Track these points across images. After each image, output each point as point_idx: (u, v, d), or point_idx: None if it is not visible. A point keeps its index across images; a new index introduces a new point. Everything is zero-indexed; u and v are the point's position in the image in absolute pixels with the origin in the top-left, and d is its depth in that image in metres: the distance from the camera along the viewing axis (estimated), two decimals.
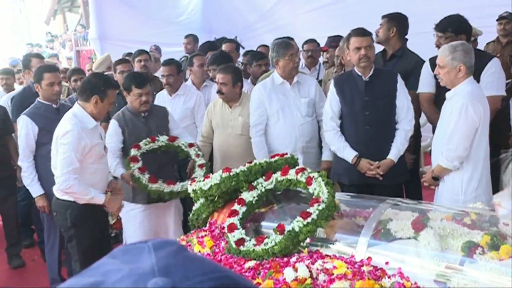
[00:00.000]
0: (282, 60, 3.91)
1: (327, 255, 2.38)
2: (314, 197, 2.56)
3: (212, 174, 2.97)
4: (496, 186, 3.14)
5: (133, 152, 3.66)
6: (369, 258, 2.28)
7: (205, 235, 2.78)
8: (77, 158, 3.19)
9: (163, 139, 3.77)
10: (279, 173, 2.82)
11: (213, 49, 5.70)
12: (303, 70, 5.37)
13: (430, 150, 3.62)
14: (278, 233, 2.47)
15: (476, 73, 3.53)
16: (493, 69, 3.76)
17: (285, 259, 2.40)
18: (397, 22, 4.33)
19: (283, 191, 2.89)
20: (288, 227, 2.46)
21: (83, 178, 3.26)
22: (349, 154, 3.62)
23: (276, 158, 2.98)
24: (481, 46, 5.38)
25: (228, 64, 4.45)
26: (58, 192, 3.31)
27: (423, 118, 4.43)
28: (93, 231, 3.38)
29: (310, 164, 3.83)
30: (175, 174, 4.04)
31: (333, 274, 2.18)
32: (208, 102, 4.59)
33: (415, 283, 2.11)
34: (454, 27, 3.87)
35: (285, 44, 3.97)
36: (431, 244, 2.24)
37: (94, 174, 3.35)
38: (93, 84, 3.32)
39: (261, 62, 4.97)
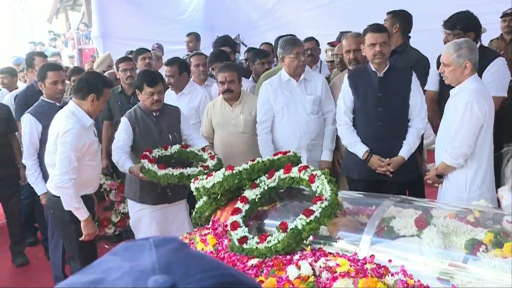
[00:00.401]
0: (287, 57, 3.91)
1: (330, 253, 2.37)
2: (317, 195, 2.56)
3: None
4: (499, 181, 3.13)
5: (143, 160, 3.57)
6: (372, 256, 2.28)
7: (208, 233, 2.79)
8: (76, 157, 3.24)
9: (175, 148, 3.69)
10: (282, 171, 2.82)
11: (227, 44, 5.69)
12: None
13: (433, 148, 3.61)
14: (281, 231, 2.47)
15: (479, 71, 3.51)
16: (495, 69, 3.72)
17: (288, 257, 2.40)
18: (401, 19, 4.33)
19: (286, 189, 2.89)
20: (291, 225, 2.46)
21: (82, 175, 3.32)
22: (360, 149, 3.63)
23: (279, 156, 2.99)
24: (484, 43, 5.36)
25: (230, 62, 4.45)
26: (54, 189, 3.36)
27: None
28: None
29: (315, 161, 3.85)
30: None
31: (336, 271, 2.18)
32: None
33: (418, 280, 2.11)
34: (463, 25, 3.83)
35: (292, 41, 3.96)
36: (434, 241, 2.24)
37: (91, 170, 3.43)
38: (90, 82, 3.36)
39: (264, 60, 4.97)
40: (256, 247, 2.48)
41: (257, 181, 2.84)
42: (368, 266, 2.20)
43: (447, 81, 3.25)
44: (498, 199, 2.75)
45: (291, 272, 2.22)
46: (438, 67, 3.52)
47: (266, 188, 2.81)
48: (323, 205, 2.46)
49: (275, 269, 2.31)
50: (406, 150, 3.57)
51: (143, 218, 3.83)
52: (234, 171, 2.84)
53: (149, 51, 5.91)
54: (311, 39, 5.68)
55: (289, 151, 3.06)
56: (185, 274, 0.56)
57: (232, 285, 0.58)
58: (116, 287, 0.55)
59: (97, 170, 3.55)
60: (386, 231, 2.42)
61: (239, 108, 4.15)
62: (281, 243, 2.42)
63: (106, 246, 4.82)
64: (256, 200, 2.78)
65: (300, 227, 2.43)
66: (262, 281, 2.27)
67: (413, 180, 3.75)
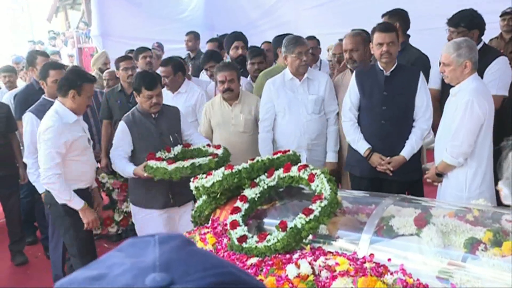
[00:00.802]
0: (289, 57, 3.91)
1: (330, 252, 2.38)
2: (316, 193, 2.56)
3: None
4: (497, 177, 3.13)
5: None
6: (371, 255, 2.28)
7: (208, 232, 2.79)
8: (59, 154, 3.32)
9: (178, 149, 3.62)
10: (281, 170, 2.82)
11: (240, 39, 5.67)
12: None
13: (433, 147, 3.61)
14: (280, 230, 2.47)
15: (481, 69, 3.51)
16: (497, 67, 3.72)
17: (288, 256, 2.40)
18: (400, 18, 4.33)
19: (286, 188, 2.90)
20: (290, 224, 2.46)
21: (71, 170, 3.41)
22: (362, 146, 3.64)
23: (279, 155, 2.99)
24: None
25: (228, 62, 4.45)
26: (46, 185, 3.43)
27: None
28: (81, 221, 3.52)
29: (315, 161, 3.84)
30: None
31: (335, 270, 2.18)
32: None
33: (418, 279, 2.11)
34: (467, 22, 3.83)
35: (295, 40, 3.94)
36: (433, 240, 2.24)
37: (81, 165, 3.50)
38: (69, 79, 3.46)
39: (254, 60, 4.94)
40: (256, 246, 2.48)
41: (257, 180, 2.84)
42: (367, 265, 2.20)
43: (447, 80, 3.26)
44: (497, 194, 2.75)
45: (291, 271, 2.23)
46: None
47: (265, 187, 2.81)
48: (322, 204, 2.46)
49: (274, 268, 2.31)
50: (408, 150, 3.57)
51: (150, 223, 3.74)
52: (233, 170, 2.83)
53: (150, 50, 5.90)
54: (311, 38, 5.68)
55: (289, 150, 3.06)
56: (185, 272, 0.56)
57: (232, 284, 0.58)
58: (116, 283, 0.55)
59: (88, 164, 3.58)
60: (385, 230, 2.42)
61: (239, 108, 4.14)
62: (280, 242, 2.42)
63: (106, 245, 4.82)
64: (256, 199, 2.78)
65: (299, 226, 2.43)
66: (261, 280, 2.27)
67: (413, 180, 3.75)
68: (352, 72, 3.91)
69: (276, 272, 2.27)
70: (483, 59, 3.59)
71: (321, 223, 2.46)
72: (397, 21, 4.25)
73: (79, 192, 3.46)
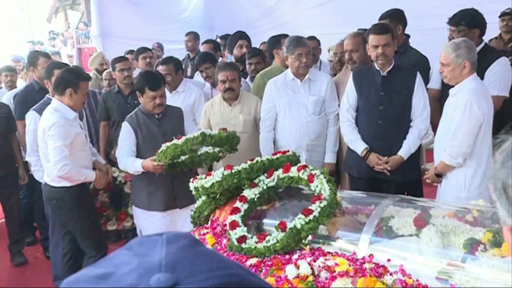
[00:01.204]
0: (290, 57, 3.91)
1: (329, 252, 2.38)
2: (315, 194, 2.56)
3: (215, 171, 2.97)
4: None
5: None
6: (371, 255, 2.28)
7: (207, 233, 2.79)
8: (66, 147, 3.47)
9: (185, 156, 3.47)
10: (281, 170, 2.82)
11: (244, 38, 5.70)
12: None
13: (432, 147, 3.61)
14: (280, 230, 2.47)
15: (482, 70, 3.51)
16: (498, 68, 3.72)
17: (287, 256, 2.40)
18: (400, 19, 4.33)
19: (285, 189, 2.89)
20: (290, 225, 2.46)
21: (73, 165, 3.55)
22: (359, 146, 3.65)
23: (278, 155, 2.99)
24: None
25: (230, 61, 4.44)
26: (53, 181, 3.58)
27: None
28: (92, 208, 3.81)
29: (315, 162, 3.84)
30: None
31: (335, 271, 2.18)
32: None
33: (417, 280, 2.11)
34: (468, 21, 3.83)
35: (296, 41, 3.93)
36: (433, 241, 2.24)
37: (82, 160, 3.63)
38: (66, 78, 3.58)
39: (252, 61, 4.95)
40: (255, 247, 2.48)
41: (256, 181, 2.84)
42: (367, 265, 2.20)
43: (446, 80, 3.26)
44: None
45: (290, 271, 2.22)
46: None
47: (265, 187, 2.81)
48: (322, 205, 2.46)
49: (274, 269, 2.31)
50: (405, 150, 3.57)
51: (152, 225, 3.70)
52: (233, 171, 2.83)
53: (150, 50, 5.90)
54: (312, 38, 5.67)
55: (288, 151, 3.06)
56: (190, 272, 0.56)
57: (237, 285, 0.57)
58: (121, 283, 0.55)
59: (87, 160, 3.70)
60: (385, 230, 2.42)
61: (238, 108, 4.14)
62: (280, 243, 2.42)
63: None
64: (255, 199, 2.78)
65: (299, 226, 2.43)
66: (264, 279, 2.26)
67: (412, 180, 3.75)
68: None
69: (276, 273, 2.27)
70: (484, 60, 3.59)
71: (320, 224, 2.46)
72: (399, 24, 4.24)
73: (80, 187, 3.61)
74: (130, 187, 4.19)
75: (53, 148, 3.43)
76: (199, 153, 3.54)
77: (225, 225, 2.70)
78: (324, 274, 2.18)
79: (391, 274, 2.14)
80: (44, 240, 4.84)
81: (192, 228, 3.01)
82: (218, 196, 2.88)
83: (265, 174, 2.86)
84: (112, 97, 4.85)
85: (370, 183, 3.65)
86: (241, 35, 5.77)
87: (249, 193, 2.79)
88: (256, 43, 6.40)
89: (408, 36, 4.42)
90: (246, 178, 2.83)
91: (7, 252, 4.86)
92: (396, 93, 3.59)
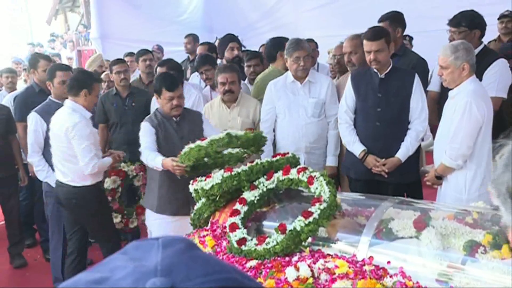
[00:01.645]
0: (289, 60, 3.92)
1: (329, 255, 2.37)
2: (315, 196, 2.56)
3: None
4: None
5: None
6: (370, 258, 2.28)
7: (207, 235, 2.78)
8: (93, 145, 3.63)
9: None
10: (280, 172, 2.82)
11: (235, 40, 5.70)
12: None
13: (432, 149, 3.61)
14: (279, 232, 2.47)
15: (480, 71, 3.51)
16: (496, 69, 3.73)
17: (287, 258, 2.39)
18: (399, 22, 4.33)
19: (285, 191, 2.89)
20: (289, 227, 2.46)
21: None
22: (357, 148, 3.66)
23: (278, 157, 2.98)
24: None
25: (230, 64, 4.45)
26: (73, 181, 3.68)
27: None
28: (108, 203, 4.09)
29: (313, 164, 3.83)
30: None
31: (334, 273, 2.18)
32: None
33: (417, 282, 2.11)
34: (468, 22, 3.84)
35: (294, 44, 3.93)
36: (433, 243, 2.24)
37: (99, 153, 3.79)
38: (80, 80, 3.72)
39: (250, 63, 4.94)
40: (255, 249, 2.48)
41: (256, 183, 2.84)
42: (366, 267, 2.20)
43: (445, 83, 3.26)
44: None
45: (290, 273, 2.22)
46: None
47: (264, 189, 2.81)
48: (321, 207, 2.46)
49: (273, 271, 2.31)
50: (403, 152, 3.57)
51: (162, 229, 3.63)
52: (233, 173, 2.83)
53: (151, 52, 5.90)
54: (310, 40, 5.67)
55: (288, 153, 3.06)
56: (186, 277, 0.56)
57: None
58: (118, 287, 0.55)
59: (100, 150, 3.87)
60: (384, 232, 2.42)
61: (237, 111, 4.14)
62: (279, 245, 2.42)
63: None
64: (255, 201, 2.78)
65: (298, 228, 2.42)
66: (261, 283, 2.26)
67: (411, 182, 3.76)
68: None
69: (276, 275, 2.27)
70: (483, 61, 3.60)
71: (320, 226, 2.45)
72: (398, 27, 4.24)
73: (98, 185, 3.79)
74: (143, 179, 4.24)
75: (81, 148, 3.56)
76: (222, 153, 3.30)
77: (225, 227, 2.70)
78: (324, 276, 2.18)
79: (391, 276, 2.14)
80: (44, 242, 4.84)
81: (192, 230, 3.01)
82: (218, 198, 2.87)
83: (265, 176, 2.86)
84: (110, 99, 4.86)
85: (368, 185, 3.65)
86: (232, 38, 5.76)
87: (249, 195, 2.78)
88: (255, 45, 6.41)
89: (411, 38, 4.42)
90: (246, 180, 2.83)
91: (7, 254, 4.86)
92: (393, 95, 3.59)
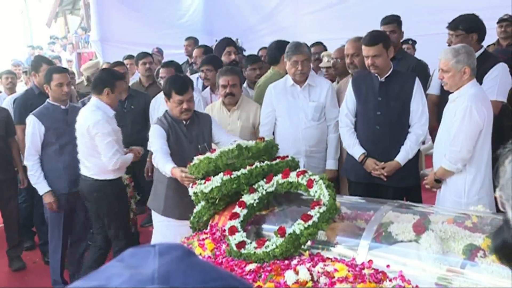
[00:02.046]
0: (288, 63, 3.92)
1: (328, 258, 2.37)
2: (315, 199, 2.56)
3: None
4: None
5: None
6: (370, 261, 2.28)
7: (206, 238, 2.78)
8: (115, 141, 3.71)
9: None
10: (280, 175, 2.82)
11: (232, 44, 5.69)
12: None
13: (431, 153, 3.61)
14: (279, 235, 2.47)
15: (480, 75, 3.52)
16: (496, 73, 3.72)
17: (286, 262, 2.39)
18: (398, 25, 4.35)
19: (284, 194, 2.89)
20: (289, 230, 2.46)
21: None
22: (357, 151, 3.66)
23: (277, 160, 2.98)
24: None
25: (231, 66, 4.44)
26: (96, 174, 3.77)
27: None
28: (126, 199, 4.15)
29: (313, 168, 3.82)
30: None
31: (334, 277, 2.18)
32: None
33: (416, 286, 2.11)
34: (466, 26, 3.84)
35: (294, 48, 3.91)
36: (432, 247, 2.24)
37: (121, 150, 3.86)
38: (103, 78, 3.83)
39: (255, 66, 4.92)
40: (254, 252, 2.47)
41: (255, 186, 2.84)
42: (366, 271, 2.20)
43: (446, 87, 3.25)
44: (496, 202, 2.74)
45: (289, 277, 2.22)
46: None
47: (264, 193, 2.81)
48: (321, 210, 2.46)
49: (273, 274, 2.30)
50: (403, 155, 3.57)
51: (167, 231, 3.58)
52: (232, 176, 2.83)
53: (150, 55, 5.90)
54: (318, 43, 5.68)
55: (287, 156, 3.06)
56: (183, 284, 0.56)
57: None
58: None
59: (122, 147, 3.93)
60: (384, 236, 2.42)
61: (237, 114, 4.14)
62: (279, 248, 2.42)
63: None
64: (254, 205, 2.78)
65: (298, 232, 2.42)
66: (260, 286, 2.26)
67: (410, 185, 3.76)
68: None
69: (275, 278, 2.27)
70: (483, 65, 3.60)
71: (319, 229, 2.45)
72: (399, 29, 4.26)
73: (113, 183, 3.82)
74: (130, 192, 4.25)
75: (104, 144, 3.65)
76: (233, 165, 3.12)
77: (224, 230, 2.70)
78: (323, 280, 2.18)
79: (390, 280, 2.14)
80: (43, 245, 4.83)
81: (191, 233, 3.00)
82: (217, 201, 2.87)
83: (264, 180, 2.86)
84: None
85: (368, 188, 3.65)
86: (229, 42, 5.76)
87: (248, 198, 2.78)
88: (255, 48, 6.42)
89: (414, 42, 4.43)
90: (245, 183, 2.83)
91: (6, 258, 4.85)
92: (393, 99, 3.59)
